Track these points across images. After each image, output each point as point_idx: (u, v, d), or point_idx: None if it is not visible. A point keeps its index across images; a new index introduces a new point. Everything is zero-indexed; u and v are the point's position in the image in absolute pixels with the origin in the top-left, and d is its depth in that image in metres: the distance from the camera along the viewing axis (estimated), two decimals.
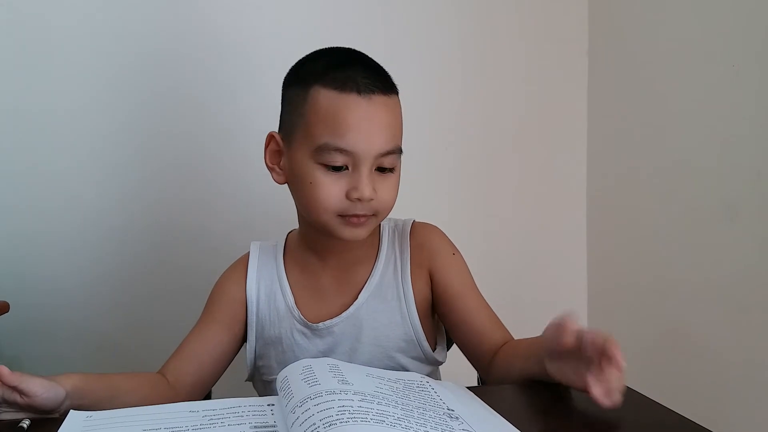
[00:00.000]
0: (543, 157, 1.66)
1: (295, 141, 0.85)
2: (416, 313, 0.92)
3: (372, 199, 0.82)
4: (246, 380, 0.98)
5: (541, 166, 1.66)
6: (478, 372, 0.97)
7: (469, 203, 1.62)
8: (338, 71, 0.83)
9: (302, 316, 0.92)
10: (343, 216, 0.83)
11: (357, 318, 0.91)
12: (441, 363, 0.97)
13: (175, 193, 1.44)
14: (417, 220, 0.98)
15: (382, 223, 0.96)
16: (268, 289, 0.94)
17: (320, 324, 0.91)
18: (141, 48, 1.40)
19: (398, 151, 0.85)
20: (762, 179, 1.19)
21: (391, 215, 0.90)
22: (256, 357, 0.95)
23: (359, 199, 0.82)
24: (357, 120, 0.81)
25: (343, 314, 0.91)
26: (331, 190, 0.82)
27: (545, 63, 1.64)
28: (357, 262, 0.94)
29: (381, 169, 0.84)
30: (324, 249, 0.92)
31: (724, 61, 1.27)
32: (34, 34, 1.36)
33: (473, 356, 0.93)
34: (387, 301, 0.92)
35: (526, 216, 1.66)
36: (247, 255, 0.97)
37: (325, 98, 0.82)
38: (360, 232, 0.86)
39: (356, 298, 0.92)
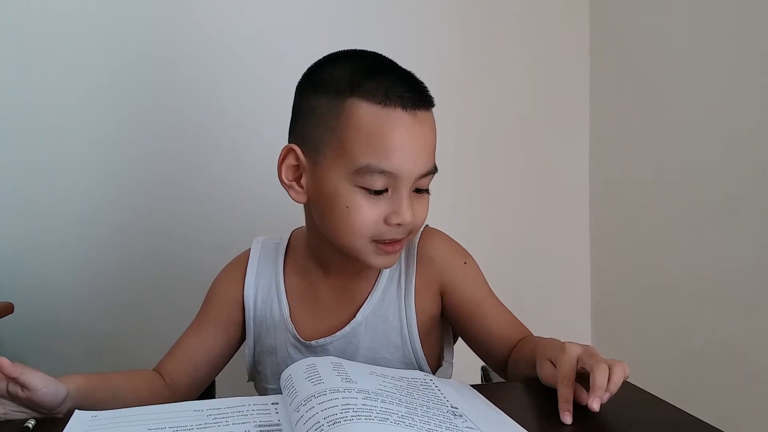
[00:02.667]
0: (545, 155, 1.65)
1: (325, 158, 0.77)
2: (417, 336, 0.86)
3: (411, 222, 0.77)
4: (248, 381, 0.97)
5: (543, 165, 1.66)
6: (495, 371, 0.93)
7: (470, 202, 1.62)
8: (376, 81, 0.76)
9: (296, 331, 0.87)
10: (377, 241, 0.77)
11: (354, 337, 0.85)
12: None
13: (179, 193, 1.44)
14: (427, 227, 0.91)
15: None
16: (265, 294, 0.90)
17: (314, 342, 0.86)
18: (141, 47, 1.41)
19: (435, 170, 0.80)
20: (765, 176, 1.19)
21: None
22: (255, 361, 0.92)
23: (400, 225, 0.76)
24: (403, 140, 0.75)
25: (338, 333, 0.85)
26: (369, 215, 0.76)
27: (547, 60, 1.64)
28: (359, 275, 0.87)
29: (417, 190, 0.79)
30: (329, 260, 0.86)
31: (726, 58, 1.26)
32: (35, 32, 1.36)
33: (491, 361, 0.89)
34: (387, 321, 0.85)
35: (528, 215, 1.66)
36: (248, 253, 0.92)
37: (367, 114, 0.75)
38: (392, 260, 0.81)
39: (354, 315, 0.86)
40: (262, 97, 1.44)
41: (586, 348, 0.69)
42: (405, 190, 0.76)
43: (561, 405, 0.65)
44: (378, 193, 0.76)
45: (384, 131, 0.74)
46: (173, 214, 1.44)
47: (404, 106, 0.75)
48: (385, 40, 1.52)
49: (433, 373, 0.89)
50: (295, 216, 0.91)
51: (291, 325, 0.87)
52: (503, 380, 0.89)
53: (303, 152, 0.79)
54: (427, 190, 0.81)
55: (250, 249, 0.93)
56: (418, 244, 0.88)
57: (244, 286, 0.90)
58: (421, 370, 0.86)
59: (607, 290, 1.67)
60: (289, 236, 0.94)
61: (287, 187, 0.81)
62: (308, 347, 0.86)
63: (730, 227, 1.27)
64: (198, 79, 1.44)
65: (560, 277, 1.69)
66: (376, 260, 0.79)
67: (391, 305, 0.86)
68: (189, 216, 1.44)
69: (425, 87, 0.80)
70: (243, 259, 0.93)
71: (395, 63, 0.81)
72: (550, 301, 1.66)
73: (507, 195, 1.65)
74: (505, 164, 1.63)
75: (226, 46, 1.44)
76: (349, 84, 0.76)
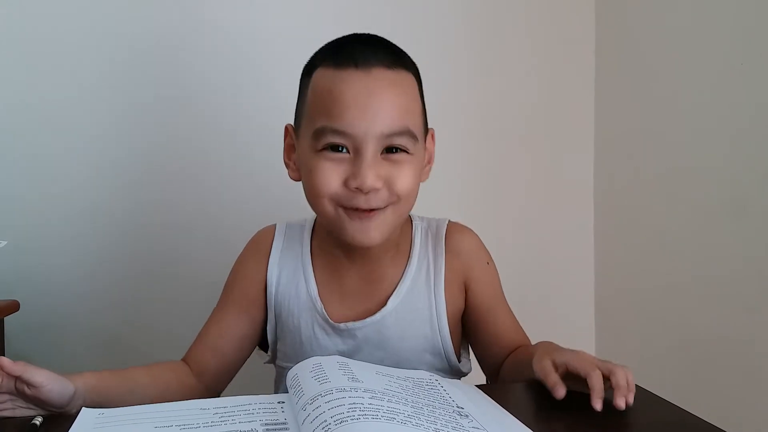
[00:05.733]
0: (550, 157, 1.65)
1: (301, 130, 0.79)
2: (447, 326, 0.85)
3: (376, 189, 0.74)
4: (266, 362, 0.94)
5: (548, 167, 1.66)
6: (484, 372, 0.94)
7: (474, 204, 1.62)
8: (339, 49, 0.77)
9: (325, 312, 0.85)
10: (345, 208, 0.75)
11: (383, 325, 0.83)
12: (465, 374, 0.90)
13: (184, 192, 1.44)
14: (452, 221, 0.90)
15: (414, 222, 0.89)
16: (290, 274, 0.88)
17: (342, 324, 0.84)
18: (144, 40, 1.41)
19: (408, 133, 0.75)
20: None
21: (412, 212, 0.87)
22: (276, 339, 0.90)
23: (359, 189, 0.73)
24: (354, 96, 0.73)
25: (368, 319, 0.83)
26: (329, 176, 0.74)
27: (552, 62, 1.64)
28: (386, 263, 0.86)
29: (392, 152, 0.75)
30: (351, 248, 0.83)
31: (731, 60, 1.26)
32: (36, 26, 1.36)
33: (488, 361, 0.90)
34: (417, 310, 0.84)
35: (533, 216, 1.66)
36: (269, 233, 0.91)
37: (322, 78, 0.76)
38: (369, 231, 0.76)
39: (384, 303, 0.84)
40: (268, 93, 1.45)
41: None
42: (367, 152, 0.73)
43: (596, 390, 0.66)
44: (339, 153, 0.74)
45: (334, 90, 0.74)
46: (179, 211, 1.44)
47: (356, 64, 0.74)
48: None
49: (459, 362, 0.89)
50: (301, 211, 0.91)
51: (320, 305, 0.85)
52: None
53: (293, 131, 0.82)
54: (407, 153, 0.76)
55: (271, 229, 0.92)
56: (445, 236, 0.87)
57: (268, 266, 0.88)
58: (449, 361, 0.86)
59: (611, 290, 1.67)
60: (314, 219, 0.91)
61: (286, 166, 0.84)
62: (336, 329, 0.84)
63: (735, 228, 1.27)
64: (203, 74, 1.44)
65: (564, 277, 1.69)
66: (352, 230, 0.76)
67: (420, 294, 0.85)
68: (195, 213, 1.45)
69: (395, 50, 0.79)
70: (267, 239, 0.91)
71: (377, 36, 0.80)
72: (554, 301, 1.66)
73: (512, 196, 1.65)
74: (509, 166, 1.63)
75: (232, 41, 1.44)
76: (319, 59, 0.78)
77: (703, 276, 1.35)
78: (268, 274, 0.88)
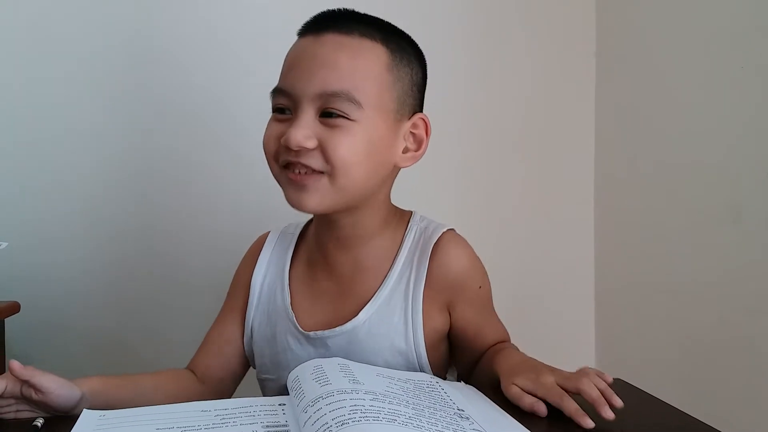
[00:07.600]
0: (550, 158, 1.65)
1: None
2: (423, 342, 0.80)
3: (307, 149, 0.72)
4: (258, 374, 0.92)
5: (548, 168, 1.65)
6: (457, 370, 0.91)
7: (474, 205, 1.62)
8: (307, 22, 0.80)
9: (296, 320, 0.83)
10: (285, 168, 0.76)
11: (354, 336, 0.80)
12: None
13: (183, 194, 1.44)
14: (451, 231, 0.85)
15: (411, 222, 0.85)
16: (272, 281, 0.87)
17: (312, 333, 0.82)
18: (141, 46, 1.40)
19: (347, 96, 0.72)
20: None
21: (418, 213, 0.86)
22: (253, 352, 0.88)
23: (287, 146, 0.73)
24: (298, 59, 0.76)
25: (338, 329, 0.80)
26: (269, 136, 0.77)
27: (552, 64, 1.63)
28: (366, 268, 0.82)
29: (330, 116, 0.73)
30: (329, 244, 0.83)
31: (732, 63, 1.26)
32: (35, 26, 1.36)
33: (464, 364, 0.88)
34: (392, 323, 0.80)
35: (533, 217, 1.66)
36: (263, 240, 0.91)
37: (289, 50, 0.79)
38: (301, 195, 0.75)
39: (357, 313, 0.80)
40: (267, 97, 1.45)
41: (553, 371, 0.70)
42: (303, 112, 0.73)
43: (575, 415, 0.65)
44: (284, 114, 0.76)
45: (288, 56, 0.78)
46: (179, 212, 1.44)
47: (311, 32, 0.77)
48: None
49: None
50: (298, 215, 0.90)
51: (291, 314, 0.84)
52: None
53: None
54: (349, 120, 0.73)
55: (264, 236, 0.92)
56: (435, 246, 0.82)
57: (254, 271, 0.89)
58: None
59: (611, 291, 1.67)
60: (305, 224, 0.92)
61: None
62: (307, 338, 0.82)
63: (735, 229, 1.27)
64: (200, 75, 1.43)
65: (564, 278, 1.69)
66: (289, 192, 0.76)
67: (397, 306, 0.81)
68: (195, 214, 1.44)
69: (356, 17, 0.79)
70: (259, 244, 0.92)
71: (344, 8, 0.81)
72: (554, 301, 1.65)
73: (511, 197, 1.64)
74: (509, 167, 1.63)
75: (225, 41, 1.43)
76: None
77: (703, 276, 1.35)
78: (252, 280, 0.88)
